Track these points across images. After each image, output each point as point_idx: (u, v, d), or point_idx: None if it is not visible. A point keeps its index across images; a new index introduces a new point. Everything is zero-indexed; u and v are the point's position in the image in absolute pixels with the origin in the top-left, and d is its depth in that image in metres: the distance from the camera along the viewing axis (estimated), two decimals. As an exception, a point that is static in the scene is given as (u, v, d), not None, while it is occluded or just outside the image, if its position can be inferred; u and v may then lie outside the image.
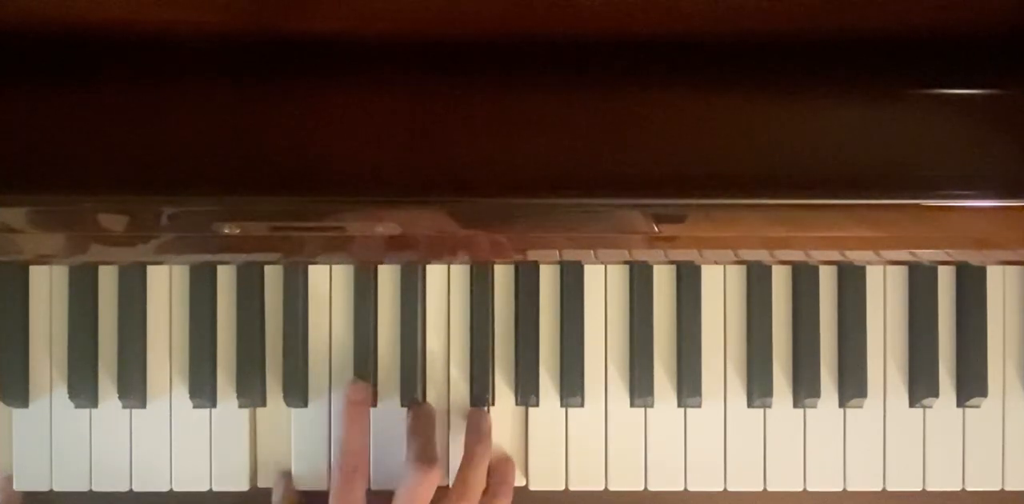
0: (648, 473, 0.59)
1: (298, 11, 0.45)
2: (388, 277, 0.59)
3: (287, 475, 0.59)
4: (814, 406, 0.59)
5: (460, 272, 0.59)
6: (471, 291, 0.59)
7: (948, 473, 0.59)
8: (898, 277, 0.59)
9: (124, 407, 0.59)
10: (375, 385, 0.59)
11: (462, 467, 0.56)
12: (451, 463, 0.59)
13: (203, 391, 0.58)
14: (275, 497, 0.58)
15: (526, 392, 0.59)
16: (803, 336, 0.58)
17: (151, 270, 0.59)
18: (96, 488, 0.58)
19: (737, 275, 0.59)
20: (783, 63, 0.46)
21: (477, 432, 0.57)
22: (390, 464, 0.58)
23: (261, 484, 0.59)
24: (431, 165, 0.45)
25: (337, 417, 0.59)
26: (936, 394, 0.58)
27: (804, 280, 0.59)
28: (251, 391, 0.58)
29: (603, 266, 0.59)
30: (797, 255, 0.56)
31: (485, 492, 0.56)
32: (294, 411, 0.59)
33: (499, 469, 0.58)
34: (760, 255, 0.57)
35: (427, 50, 0.46)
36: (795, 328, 0.59)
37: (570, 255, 0.57)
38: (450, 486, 0.56)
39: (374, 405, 0.59)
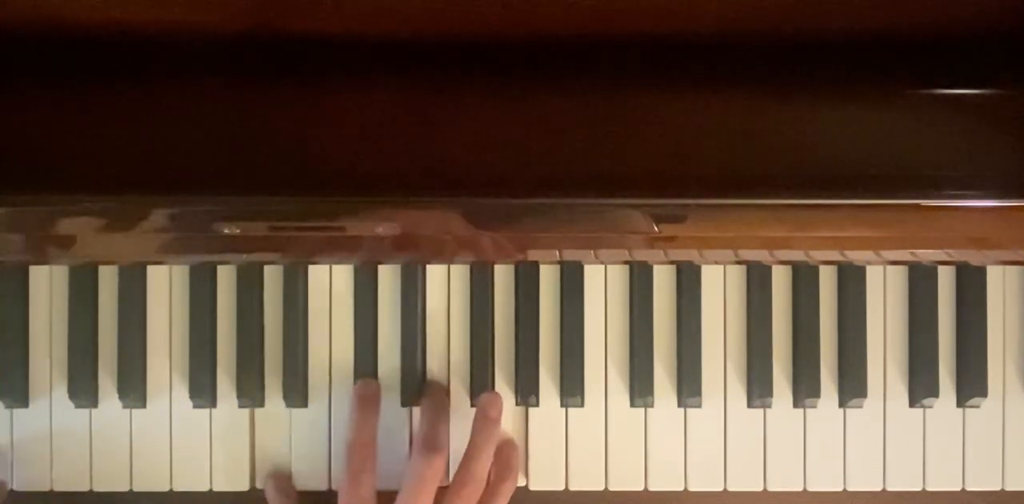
0: (648, 473, 0.59)
1: (299, 10, 0.45)
2: (388, 277, 0.59)
3: (279, 476, 0.58)
4: (814, 406, 0.59)
5: (460, 272, 0.59)
6: (471, 291, 0.59)
7: (948, 473, 0.59)
8: (898, 277, 0.59)
9: (124, 407, 0.59)
10: (375, 385, 0.59)
11: (466, 455, 0.55)
12: (452, 462, 0.59)
13: (203, 391, 0.58)
14: (270, 495, 0.58)
15: (526, 392, 0.59)
16: (803, 336, 0.58)
17: (151, 270, 0.59)
18: (96, 488, 0.58)
19: (737, 275, 0.59)
20: (783, 63, 0.46)
21: (484, 418, 0.57)
22: (392, 464, 0.58)
23: (260, 485, 0.59)
24: (431, 165, 0.45)
25: (340, 418, 0.59)
26: (936, 394, 0.58)
27: (804, 280, 0.59)
28: (251, 391, 0.58)
29: (603, 266, 0.59)
30: (797, 255, 0.56)
31: (489, 476, 0.56)
32: (294, 411, 0.59)
33: (503, 452, 0.58)
34: (760, 255, 0.57)
35: (427, 50, 0.46)
36: (795, 328, 0.59)
37: (570, 255, 0.57)
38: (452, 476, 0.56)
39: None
